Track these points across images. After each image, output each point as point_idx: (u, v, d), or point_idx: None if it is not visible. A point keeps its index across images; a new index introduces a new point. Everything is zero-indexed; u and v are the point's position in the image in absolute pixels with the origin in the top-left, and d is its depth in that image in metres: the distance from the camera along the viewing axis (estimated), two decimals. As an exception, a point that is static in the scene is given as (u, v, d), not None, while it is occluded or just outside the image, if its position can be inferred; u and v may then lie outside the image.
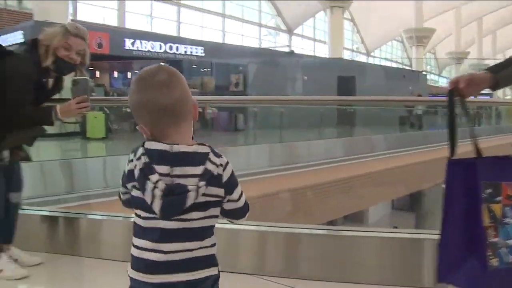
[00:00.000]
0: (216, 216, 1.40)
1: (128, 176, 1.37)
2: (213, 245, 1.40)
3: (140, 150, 1.35)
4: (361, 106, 14.12)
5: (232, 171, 1.39)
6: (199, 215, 1.35)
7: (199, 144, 1.37)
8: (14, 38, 15.01)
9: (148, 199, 1.32)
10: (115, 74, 18.27)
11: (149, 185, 1.31)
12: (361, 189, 10.56)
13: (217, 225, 1.40)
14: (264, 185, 8.25)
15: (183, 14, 28.82)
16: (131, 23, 25.86)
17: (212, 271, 1.38)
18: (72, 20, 16.83)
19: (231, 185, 1.39)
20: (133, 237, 1.38)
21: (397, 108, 15.18)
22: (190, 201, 1.31)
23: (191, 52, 18.57)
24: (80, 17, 22.86)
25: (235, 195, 1.41)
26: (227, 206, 1.41)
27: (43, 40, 2.83)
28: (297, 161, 10.71)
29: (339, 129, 16.45)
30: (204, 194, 1.33)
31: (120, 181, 1.42)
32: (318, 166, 10.78)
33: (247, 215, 1.48)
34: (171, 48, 17.89)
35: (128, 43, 16.57)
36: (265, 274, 2.86)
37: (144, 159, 1.33)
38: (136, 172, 1.33)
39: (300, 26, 36.02)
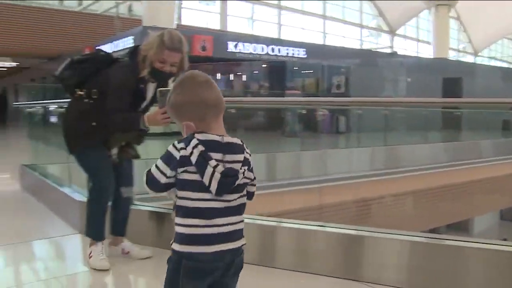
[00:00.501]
0: (245, 196, 1.70)
1: (181, 162, 1.60)
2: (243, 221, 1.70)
3: (194, 141, 1.60)
4: (467, 109, 13.46)
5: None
6: (237, 196, 1.65)
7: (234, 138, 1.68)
8: (124, 43, 15.96)
9: (206, 180, 1.58)
10: (218, 76, 18.73)
11: (209, 169, 1.58)
12: (467, 197, 10.06)
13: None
14: (364, 189, 8.11)
15: (283, 16, 29.04)
16: (233, 26, 26.49)
17: (244, 241, 1.69)
18: (177, 25, 17.56)
19: (253, 171, 1.70)
20: (181, 218, 1.62)
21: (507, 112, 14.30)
22: (238, 182, 1.62)
23: (293, 54, 18.63)
24: (185, 21, 23.77)
25: (255, 180, 1.72)
26: (250, 188, 1.72)
27: (142, 49, 2.96)
28: (399, 165, 10.42)
29: (444, 133, 15.78)
30: (244, 177, 1.65)
31: (164, 165, 1.63)
32: (421, 171, 10.42)
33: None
34: (273, 50, 18.06)
35: (231, 46, 16.95)
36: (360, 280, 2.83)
37: (201, 147, 1.59)
38: (194, 158, 1.59)
39: (403, 27, 34.95)
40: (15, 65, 27.68)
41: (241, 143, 1.68)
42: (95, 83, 3.05)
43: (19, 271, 3.40)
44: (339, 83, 17.57)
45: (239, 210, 1.68)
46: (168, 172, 1.62)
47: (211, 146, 1.61)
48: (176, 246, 1.61)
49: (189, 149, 1.60)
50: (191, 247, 1.60)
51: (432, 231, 9.13)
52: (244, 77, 19.69)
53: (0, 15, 19.51)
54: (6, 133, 20.71)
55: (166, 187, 1.65)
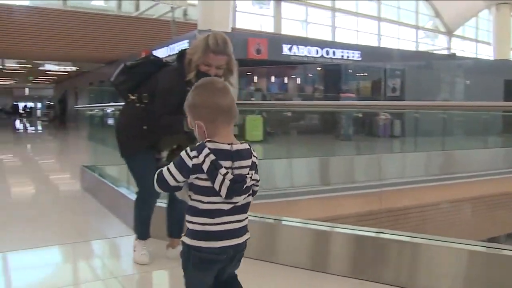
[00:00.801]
0: (251, 196, 1.90)
1: (194, 169, 1.78)
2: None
3: (206, 150, 1.77)
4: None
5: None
6: (244, 197, 1.85)
7: (242, 142, 1.86)
8: (180, 47, 16.25)
9: (217, 186, 1.77)
10: (272, 79, 18.82)
11: (219, 177, 1.76)
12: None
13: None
14: (420, 195, 7.95)
15: (338, 18, 28.83)
16: (286, 29, 26.51)
17: (248, 235, 1.91)
18: (232, 29, 17.72)
19: (257, 171, 1.88)
20: (192, 216, 1.83)
21: None
22: (245, 186, 1.82)
23: (347, 56, 18.46)
24: (239, 25, 23.97)
25: (258, 177, 1.90)
26: (255, 188, 1.91)
27: (188, 52, 3.00)
28: (457, 171, 10.14)
29: (504, 138, 15.22)
30: (252, 179, 1.85)
31: (176, 171, 1.80)
32: (480, 177, 10.10)
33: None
34: (327, 53, 17.96)
35: (285, 49, 16.96)
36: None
37: (212, 156, 1.76)
38: (205, 167, 1.76)
39: (461, 27, 33.98)
40: (75, 69, 28.69)
41: (249, 148, 1.87)
42: (146, 87, 3.12)
43: (78, 270, 3.53)
44: (394, 86, 17.28)
45: (244, 209, 1.89)
46: (179, 177, 1.82)
47: (221, 154, 1.79)
48: (187, 240, 1.84)
49: (201, 157, 1.77)
50: (200, 242, 1.82)
51: (491, 240, 8.84)
52: (298, 80, 19.68)
53: (61, 22, 20.29)
54: (66, 135, 21.48)
55: (173, 189, 1.87)
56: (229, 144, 1.81)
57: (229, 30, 16.91)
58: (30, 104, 52.24)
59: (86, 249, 3.86)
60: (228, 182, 1.77)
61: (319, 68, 18.35)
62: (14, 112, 43.22)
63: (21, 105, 50.00)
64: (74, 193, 6.32)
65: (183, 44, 16.14)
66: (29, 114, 48.52)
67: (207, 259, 1.83)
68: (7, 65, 26.86)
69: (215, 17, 16.27)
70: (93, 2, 25.46)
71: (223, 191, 1.78)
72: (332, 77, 17.94)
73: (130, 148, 3.22)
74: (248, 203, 1.90)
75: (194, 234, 1.83)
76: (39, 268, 3.50)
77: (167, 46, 17.35)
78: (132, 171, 3.29)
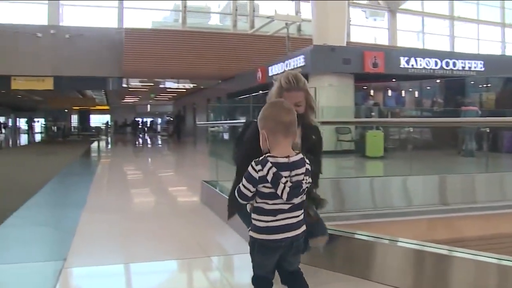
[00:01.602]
0: (305, 195, 2.44)
1: (261, 180, 2.33)
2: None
3: (269, 164, 2.32)
4: None
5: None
6: (300, 199, 2.40)
7: (297, 153, 2.39)
8: (296, 62, 16.52)
9: (279, 192, 2.32)
10: (389, 93, 18.37)
11: (281, 185, 2.31)
12: None
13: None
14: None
15: (456, 27, 27.68)
16: (402, 41, 25.91)
17: (305, 227, 2.46)
18: (347, 43, 17.70)
19: (313, 173, 2.45)
20: (258, 215, 2.40)
21: None
22: (303, 189, 2.36)
23: (469, 67, 17.61)
24: (354, 38, 23.82)
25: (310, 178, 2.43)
26: (306, 186, 2.40)
27: (267, 100, 3.02)
28: None
29: None
30: (306, 183, 2.37)
31: (248, 184, 2.35)
32: None
33: None
34: (447, 64, 17.27)
35: (403, 61, 16.52)
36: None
37: (274, 169, 2.31)
38: (269, 178, 2.31)
39: None
40: (193, 86, 29.99)
41: (302, 157, 2.40)
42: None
43: (198, 285, 3.72)
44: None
45: (300, 206, 2.43)
46: (252, 188, 2.37)
47: (281, 166, 2.33)
48: (253, 234, 2.42)
49: (265, 170, 2.32)
50: (264, 235, 2.39)
51: None
52: (416, 93, 19.10)
53: (180, 42, 21.48)
54: (184, 150, 22.46)
55: (252, 198, 2.41)
56: (286, 157, 2.35)
57: (344, 44, 16.93)
58: (149, 120, 55.46)
59: (206, 264, 3.99)
60: (288, 189, 2.31)
61: (439, 81, 17.69)
62: (134, 127, 45.85)
63: (141, 120, 53.16)
64: (194, 206, 6.64)
65: (299, 60, 16.37)
66: (149, 129, 51.46)
67: (270, 247, 2.39)
68: (132, 84, 28.71)
69: (329, 31, 16.43)
70: (210, 22, 26.66)
71: (285, 196, 2.32)
72: (453, 89, 17.20)
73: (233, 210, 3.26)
74: (303, 201, 2.44)
75: (260, 230, 2.40)
76: (160, 281, 3.74)
77: (283, 62, 17.69)
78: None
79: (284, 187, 2.31)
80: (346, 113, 14.42)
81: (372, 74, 15.73)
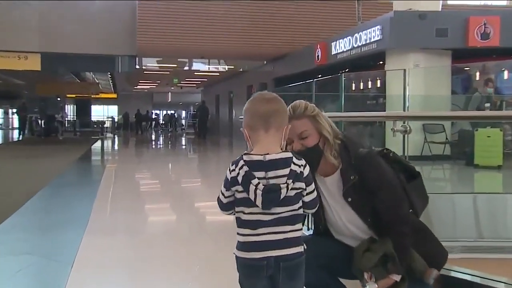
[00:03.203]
0: (300, 208, 2.58)
1: (232, 182, 2.54)
2: (301, 229, 2.61)
3: (241, 162, 2.52)
4: None
5: (309, 171, 2.59)
6: (287, 209, 2.53)
7: (283, 151, 2.57)
8: (369, 36, 16.34)
9: (251, 196, 2.47)
10: (506, 75, 17.21)
11: (251, 187, 2.46)
12: None
13: None
14: None
15: None
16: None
17: (299, 248, 2.56)
18: (442, 6, 17.37)
19: (309, 179, 2.59)
20: (238, 228, 2.58)
21: None
22: (283, 195, 2.47)
23: None
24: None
25: (312, 187, 2.61)
26: (307, 198, 2.61)
27: None
28: None
29: None
30: (292, 188, 2.50)
31: (223, 187, 2.60)
32: None
33: (317, 206, 2.69)
34: None
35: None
36: None
37: (245, 168, 2.50)
38: (240, 178, 2.50)
39: None
40: (228, 69, 30.09)
41: (287, 157, 2.55)
42: None
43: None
44: None
45: (289, 220, 2.55)
46: (225, 192, 2.60)
47: (254, 165, 2.51)
48: (235, 251, 2.58)
49: (237, 170, 2.53)
50: (243, 252, 2.54)
51: None
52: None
53: (213, 10, 21.39)
54: (218, 153, 22.52)
55: (227, 206, 2.63)
56: (263, 154, 2.52)
57: (439, 8, 16.60)
58: (170, 112, 55.77)
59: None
60: (260, 192, 2.45)
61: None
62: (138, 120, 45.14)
63: (160, 114, 53.69)
64: (230, 226, 6.60)
65: (373, 32, 16.15)
66: (167, 124, 51.61)
67: (251, 267, 2.54)
68: (148, 65, 28.99)
69: (413, -6, 16.13)
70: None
71: (258, 201, 2.47)
72: None
73: None
74: (296, 216, 2.58)
75: (240, 245, 2.57)
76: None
77: (351, 36, 17.51)
78: None
79: (256, 190, 2.47)
80: (438, 105, 14.12)
81: (480, 50, 15.23)
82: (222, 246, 5.80)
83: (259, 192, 2.46)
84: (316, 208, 2.69)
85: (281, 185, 2.48)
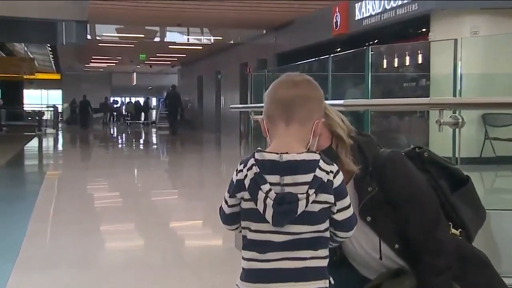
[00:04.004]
0: (327, 229, 2.47)
1: (238, 186, 2.46)
2: (326, 257, 2.48)
3: (251, 161, 2.43)
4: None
5: (343, 181, 2.48)
6: (308, 229, 2.41)
7: (308, 152, 2.46)
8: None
9: (260, 207, 2.38)
10: None
11: (260, 194, 2.37)
12: None
13: None
14: None
15: None
16: None
17: (322, 283, 2.44)
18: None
19: (340, 191, 2.46)
20: (243, 250, 2.49)
21: None
22: (301, 209, 2.36)
23: None
24: None
25: (345, 202, 2.49)
26: (339, 216, 2.49)
27: None
28: None
29: None
30: (314, 201, 2.38)
31: (226, 192, 2.53)
32: None
33: (354, 228, 2.58)
34: None
35: None
36: None
37: (255, 169, 2.40)
38: (247, 182, 2.41)
39: None
40: (214, 41, 30.14)
41: (313, 159, 2.44)
42: None
43: None
44: None
45: (312, 244, 2.44)
46: (228, 199, 2.54)
47: (267, 167, 2.42)
48: (238, 283, 2.52)
49: (244, 170, 2.45)
50: (247, 284, 2.46)
51: None
52: None
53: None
54: (201, 154, 22.56)
55: (232, 219, 2.58)
56: (280, 153, 2.43)
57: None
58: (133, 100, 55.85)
59: None
60: (272, 202, 2.35)
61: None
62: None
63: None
64: (227, 255, 6.68)
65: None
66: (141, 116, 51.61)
67: None
68: (104, 35, 29.03)
69: None
70: None
71: (268, 214, 2.37)
72: None
73: None
74: (320, 238, 2.47)
75: (243, 274, 2.50)
76: None
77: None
78: None
79: (266, 199, 2.37)
80: (505, 87, 13.86)
81: None
82: (207, 281, 5.84)
83: (269, 202, 2.35)
84: (352, 231, 2.58)
85: (299, 195, 2.35)
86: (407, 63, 17.72)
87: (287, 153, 2.41)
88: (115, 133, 39.10)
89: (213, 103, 34.12)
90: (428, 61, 16.09)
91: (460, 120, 4.90)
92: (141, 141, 32.09)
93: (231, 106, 22.87)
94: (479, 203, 3.31)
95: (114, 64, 46.27)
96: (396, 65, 17.69)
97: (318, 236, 2.43)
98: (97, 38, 29.15)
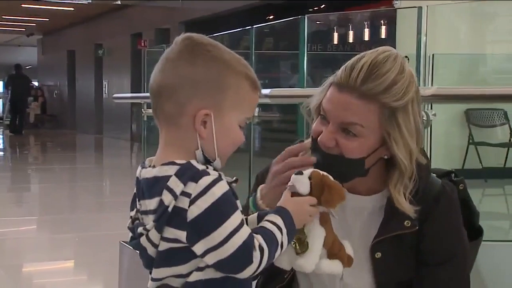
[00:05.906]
0: (191, 273, 2.36)
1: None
2: None
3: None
4: None
5: (213, 205, 2.24)
6: (167, 273, 2.40)
7: (172, 163, 2.32)
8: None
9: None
10: None
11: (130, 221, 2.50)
12: None
13: None
14: None
15: None
16: None
17: None
18: None
19: (201, 224, 2.25)
20: None
21: None
22: (149, 249, 2.38)
23: None
24: None
25: (215, 238, 2.25)
26: (209, 259, 2.29)
27: None
28: None
29: None
30: (163, 238, 2.33)
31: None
32: None
33: (251, 266, 2.29)
34: None
35: None
36: None
37: (136, 186, 2.48)
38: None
39: None
40: (88, 3, 30.33)
41: (163, 175, 2.32)
42: None
43: None
44: None
45: None
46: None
47: (137, 186, 2.50)
48: None
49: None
50: None
51: None
52: None
53: None
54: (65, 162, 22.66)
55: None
56: (147, 166, 2.47)
57: None
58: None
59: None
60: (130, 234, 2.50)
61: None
62: None
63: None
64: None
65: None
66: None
67: None
68: None
69: None
70: None
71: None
72: None
73: None
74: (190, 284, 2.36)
75: None
76: None
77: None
78: None
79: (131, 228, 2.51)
80: (492, 73, 14.34)
81: None
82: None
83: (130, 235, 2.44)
84: (249, 272, 2.29)
85: (141, 230, 2.36)
86: (366, 37, 17.58)
87: (153, 165, 2.41)
88: None
89: (91, 90, 34.41)
90: (394, 35, 15.83)
91: (427, 117, 4.47)
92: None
93: (114, 95, 23.25)
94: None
95: None
96: (349, 40, 17.52)
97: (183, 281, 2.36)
98: None
